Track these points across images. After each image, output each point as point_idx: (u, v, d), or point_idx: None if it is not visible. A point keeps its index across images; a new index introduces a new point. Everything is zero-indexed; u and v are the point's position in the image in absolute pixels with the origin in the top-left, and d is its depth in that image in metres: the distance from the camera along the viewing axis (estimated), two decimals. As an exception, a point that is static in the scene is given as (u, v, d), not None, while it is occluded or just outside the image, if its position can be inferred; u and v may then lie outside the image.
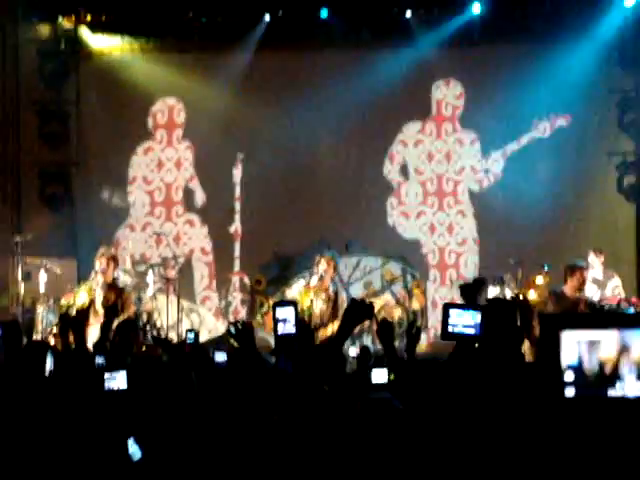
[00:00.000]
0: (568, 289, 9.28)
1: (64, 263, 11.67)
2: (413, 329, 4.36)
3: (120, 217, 12.70)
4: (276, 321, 4.38)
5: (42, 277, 10.97)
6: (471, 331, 3.79)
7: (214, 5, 12.17)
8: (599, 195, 12.04)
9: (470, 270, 12.32)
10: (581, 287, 9.56)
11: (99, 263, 9.96)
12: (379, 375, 5.04)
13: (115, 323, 9.25)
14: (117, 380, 4.67)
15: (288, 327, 4.36)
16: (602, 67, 11.72)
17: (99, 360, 5.71)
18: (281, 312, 4.39)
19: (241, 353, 4.48)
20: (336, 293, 9.43)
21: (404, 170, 12.57)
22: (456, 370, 3.77)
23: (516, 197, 12.03)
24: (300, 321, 4.56)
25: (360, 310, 4.03)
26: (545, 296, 10.00)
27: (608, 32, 11.63)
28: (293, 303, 4.45)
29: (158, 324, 11.03)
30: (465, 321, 3.81)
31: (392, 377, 4.98)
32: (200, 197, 12.66)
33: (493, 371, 3.68)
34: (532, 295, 9.95)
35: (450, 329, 3.84)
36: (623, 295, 10.39)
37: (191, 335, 6.96)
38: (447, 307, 3.91)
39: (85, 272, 11.97)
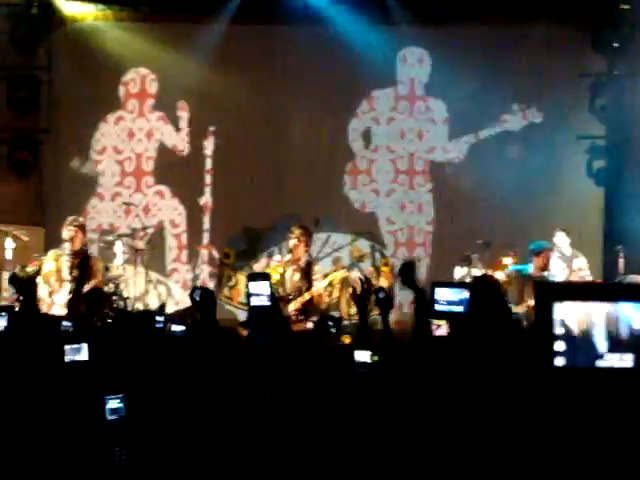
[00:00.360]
0: (533, 269, 9.42)
1: (31, 231, 11.56)
2: (381, 294, 4.38)
3: (89, 186, 12.59)
4: (249, 294, 4.39)
5: (9, 244, 10.88)
6: (459, 308, 3.82)
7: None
8: (568, 179, 12.11)
9: (437, 249, 12.39)
10: (545, 267, 9.70)
11: (67, 231, 9.91)
12: (362, 356, 5.02)
13: (84, 289, 9.26)
14: (80, 353, 4.63)
15: (262, 299, 4.37)
16: (575, 50, 11.79)
17: (66, 324, 5.69)
18: (254, 286, 4.40)
19: (202, 320, 4.50)
20: (309, 263, 9.47)
21: (375, 147, 12.58)
22: (447, 346, 3.81)
23: (485, 178, 12.07)
24: (273, 294, 4.57)
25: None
26: (511, 276, 10.12)
27: (582, 14, 11.68)
28: (266, 276, 4.46)
29: (125, 294, 11.00)
30: (452, 298, 3.84)
31: (376, 358, 4.98)
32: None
33: (484, 345, 3.71)
34: (499, 275, 10.06)
35: (437, 307, 3.86)
36: (588, 276, 10.49)
37: (160, 318, 6.68)
38: (434, 285, 3.94)
39: (52, 240, 11.94)
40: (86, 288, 9.35)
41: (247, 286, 4.40)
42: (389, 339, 4.18)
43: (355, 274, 11.77)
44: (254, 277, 4.49)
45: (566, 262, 10.68)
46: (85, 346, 4.45)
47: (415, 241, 12.53)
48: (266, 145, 12.35)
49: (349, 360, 4.09)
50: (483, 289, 3.92)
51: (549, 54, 11.77)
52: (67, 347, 4.39)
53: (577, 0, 11.66)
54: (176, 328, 5.23)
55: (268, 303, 4.34)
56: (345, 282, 10.75)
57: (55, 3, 12.28)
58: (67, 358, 4.39)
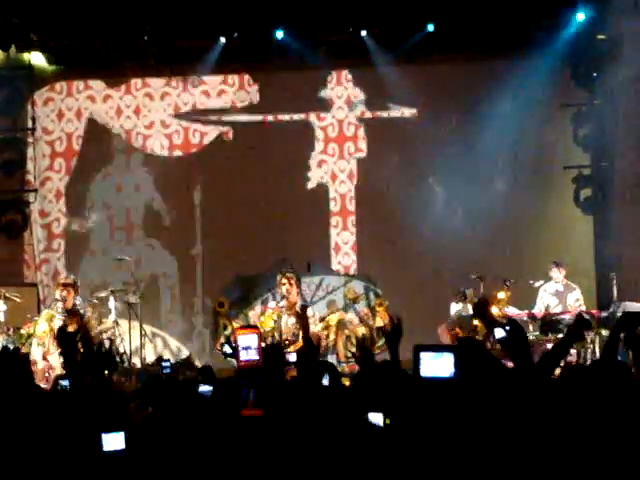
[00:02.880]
0: None
1: (24, 291, 11.54)
2: (391, 327, 4.30)
3: (80, 243, 12.59)
4: (238, 349, 4.37)
5: (1, 306, 10.84)
6: (445, 374, 3.64)
7: (169, 29, 12.12)
8: (557, 209, 12.16)
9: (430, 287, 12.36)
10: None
11: (59, 290, 9.90)
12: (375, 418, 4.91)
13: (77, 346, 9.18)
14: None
15: (251, 354, 4.35)
16: (556, 81, 11.86)
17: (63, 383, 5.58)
18: (244, 339, 4.37)
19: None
20: (304, 307, 9.45)
21: (365, 193, 12.58)
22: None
23: (474, 212, 12.09)
24: (265, 348, 4.52)
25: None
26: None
27: (561, 46, 11.78)
28: (255, 328, 4.43)
29: (121, 350, 10.95)
30: (438, 363, 3.66)
31: (387, 421, 4.91)
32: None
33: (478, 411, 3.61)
34: (494, 310, 10.03)
35: (423, 373, 3.68)
36: (584, 307, 10.50)
37: (166, 364, 6.66)
38: (418, 350, 3.75)
39: (46, 299, 11.93)
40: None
41: (236, 340, 4.38)
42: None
43: (351, 316, 11.79)
44: (243, 331, 4.46)
45: (559, 297, 10.68)
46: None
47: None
48: (253, 193, 12.36)
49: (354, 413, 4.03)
50: (469, 352, 3.82)
51: (531, 86, 11.82)
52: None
53: (555, 33, 11.72)
54: (204, 388, 5.01)
55: (257, 357, 4.31)
56: (341, 325, 10.75)
57: (35, 64, 12.34)
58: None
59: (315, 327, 9.40)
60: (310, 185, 12.61)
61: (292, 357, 6.13)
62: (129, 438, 3.74)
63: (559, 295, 10.73)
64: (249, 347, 4.35)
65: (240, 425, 3.92)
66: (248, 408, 3.97)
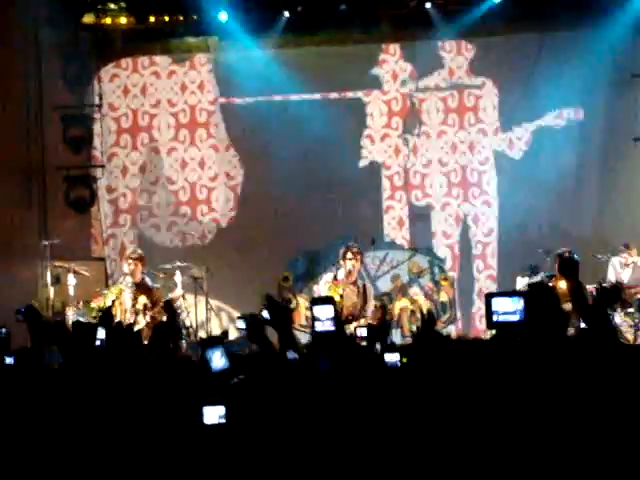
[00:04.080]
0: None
1: (92, 266, 11.73)
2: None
3: (146, 217, 12.72)
4: (314, 319, 4.38)
5: (71, 280, 11.03)
6: (515, 318, 3.81)
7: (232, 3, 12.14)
8: (627, 181, 11.95)
9: (496, 261, 12.29)
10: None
11: (127, 264, 10.03)
12: (391, 357, 4.99)
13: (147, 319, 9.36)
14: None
15: (327, 324, 4.35)
16: (626, 51, 11.65)
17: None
18: (319, 310, 4.38)
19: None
20: (364, 285, 9.51)
21: (429, 162, 12.53)
22: (498, 354, 3.78)
23: (540, 185, 11.98)
24: (339, 318, 4.54)
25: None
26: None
27: (629, 15, 11.55)
28: (331, 300, 4.44)
29: (187, 323, 11.07)
30: (508, 308, 3.83)
31: (405, 360, 4.97)
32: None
33: (537, 356, 3.68)
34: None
35: (494, 318, 3.86)
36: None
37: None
38: (489, 297, 3.93)
39: (114, 274, 12.10)
40: (147, 319, 9.47)
41: (311, 311, 4.39)
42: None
43: (415, 290, 11.77)
44: (317, 301, 4.47)
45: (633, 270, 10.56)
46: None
47: (474, 253, 12.43)
48: (317, 166, 12.36)
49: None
50: (537, 297, 3.89)
51: (599, 57, 11.62)
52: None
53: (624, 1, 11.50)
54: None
55: (332, 328, 4.32)
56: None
57: (104, 40, 12.47)
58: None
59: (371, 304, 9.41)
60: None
61: (362, 331, 6.18)
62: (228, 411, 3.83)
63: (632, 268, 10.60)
64: (324, 318, 4.36)
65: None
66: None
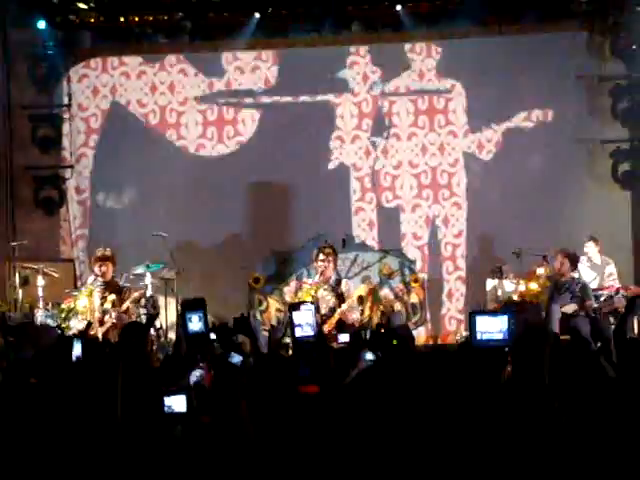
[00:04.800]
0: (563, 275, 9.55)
1: (61, 267, 11.62)
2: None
3: (116, 219, 12.63)
4: (293, 325, 4.38)
5: (40, 282, 10.92)
6: (499, 336, 3.74)
7: (204, 5, 12.12)
8: (594, 183, 12.07)
9: (465, 262, 12.38)
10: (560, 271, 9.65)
11: (97, 266, 9.97)
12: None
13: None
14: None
15: (306, 330, 4.35)
16: (594, 55, 11.78)
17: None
18: (298, 316, 4.38)
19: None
20: (338, 281, 9.58)
21: (399, 163, 12.56)
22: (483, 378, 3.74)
23: (509, 187, 12.08)
24: (318, 324, 4.54)
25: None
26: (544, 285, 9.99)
27: (598, 19, 11.68)
28: (311, 305, 4.44)
29: (157, 325, 11.00)
30: (492, 327, 3.75)
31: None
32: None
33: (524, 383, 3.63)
34: (533, 286, 9.99)
35: (478, 336, 3.77)
36: (617, 283, 10.45)
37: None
38: (473, 314, 3.85)
39: (83, 275, 12.00)
40: (113, 315, 9.44)
41: (290, 316, 4.38)
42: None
43: (386, 292, 11.79)
44: (296, 307, 4.47)
45: (597, 271, 10.64)
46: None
47: (444, 255, 12.49)
48: (289, 169, 12.35)
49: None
50: (526, 315, 3.88)
51: (568, 60, 11.76)
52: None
53: (594, 5, 11.63)
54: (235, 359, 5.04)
55: (312, 333, 4.32)
56: (376, 299, 10.75)
57: (73, 40, 12.37)
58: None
59: (345, 304, 9.48)
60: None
61: (344, 337, 6.20)
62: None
63: (596, 269, 10.70)
64: (303, 323, 4.36)
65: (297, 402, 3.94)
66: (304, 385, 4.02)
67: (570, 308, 9.15)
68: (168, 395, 3.94)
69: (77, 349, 5.03)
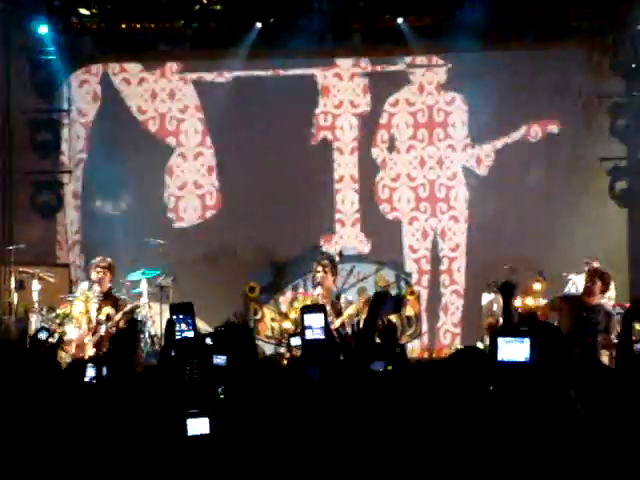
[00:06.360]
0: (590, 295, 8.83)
1: (57, 272, 11.59)
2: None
3: (113, 225, 12.60)
4: (304, 327, 4.37)
5: (35, 286, 10.89)
6: (521, 358, 3.66)
7: (206, 13, 12.13)
8: (591, 200, 12.09)
9: (463, 276, 12.38)
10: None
11: (95, 273, 9.95)
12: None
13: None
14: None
15: (316, 333, 4.35)
16: (594, 72, 11.83)
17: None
18: (309, 318, 4.38)
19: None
20: (338, 295, 9.58)
21: (397, 176, 12.58)
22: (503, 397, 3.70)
23: (507, 202, 12.11)
24: (328, 327, 4.54)
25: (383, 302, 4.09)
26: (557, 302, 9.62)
27: (597, 37, 11.75)
28: (322, 308, 4.44)
29: (152, 332, 10.98)
30: (515, 348, 3.68)
31: (389, 367, 4.97)
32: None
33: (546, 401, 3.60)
34: (529, 302, 9.95)
35: (500, 357, 3.71)
36: (613, 301, 10.40)
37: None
38: (495, 335, 3.79)
39: (78, 280, 11.95)
40: (108, 329, 9.42)
41: (301, 318, 4.38)
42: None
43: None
44: (308, 309, 4.47)
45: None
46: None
47: (440, 269, 12.50)
48: (285, 177, 12.36)
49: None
50: (547, 338, 3.82)
51: (568, 77, 11.82)
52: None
53: (594, 22, 11.69)
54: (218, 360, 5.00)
55: (323, 336, 4.32)
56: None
57: (73, 45, 12.36)
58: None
59: (337, 321, 9.44)
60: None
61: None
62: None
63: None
64: (314, 326, 4.36)
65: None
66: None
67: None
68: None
69: (90, 372, 4.97)
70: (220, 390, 4.21)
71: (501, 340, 3.74)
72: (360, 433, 3.79)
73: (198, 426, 3.79)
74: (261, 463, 3.78)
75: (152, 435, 3.89)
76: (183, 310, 4.60)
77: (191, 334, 4.54)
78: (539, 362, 3.65)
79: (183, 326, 4.56)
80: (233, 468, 3.82)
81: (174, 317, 4.57)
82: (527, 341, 3.69)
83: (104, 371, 5.39)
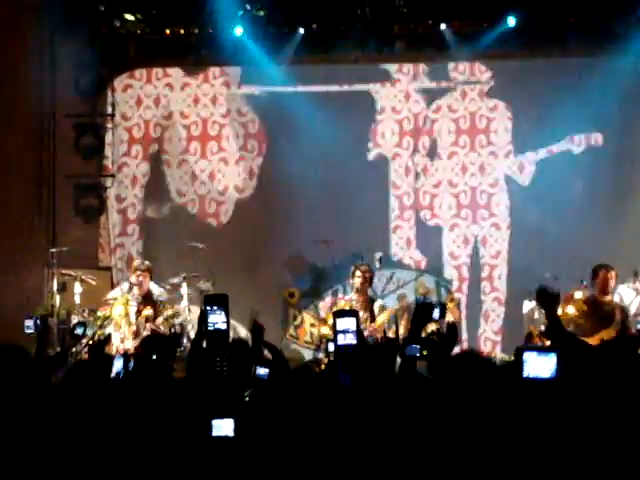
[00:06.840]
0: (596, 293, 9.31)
1: (99, 275, 11.70)
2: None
3: (155, 229, 12.69)
4: (336, 332, 4.35)
5: (77, 289, 11.00)
6: (547, 374, 3.63)
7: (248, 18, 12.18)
8: (636, 210, 11.93)
9: (504, 283, 12.29)
10: (605, 289, 9.47)
11: (134, 276, 10.05)
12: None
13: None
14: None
15: (349, 338, 4.33)
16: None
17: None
18: (342, 322, 4.36)
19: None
20: (372, 300, 9.60)
21: (438, 182, 12.52)
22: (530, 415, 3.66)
23: (549, 210, 11.98)
24: (361, 332, 4.52)
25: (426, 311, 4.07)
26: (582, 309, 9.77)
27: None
28: (355, 313, 4.42)
29: (192, 336, 11.01)
30: (540, 364, 3.65)
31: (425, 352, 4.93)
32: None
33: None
34: (570, 310, 9.85)
35: (525, 373, 3.68)
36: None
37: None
38: (521, 351, 3.77)
39: (120, 283, 12.04)
40: (144, 333, 9.49)
41: (334, 323, 4.36)
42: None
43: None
44: (340, 314, 4.45)
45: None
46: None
47: (480, 275, 12.41)
48: (327, 185, 12.35)
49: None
50: (573, 354, 3.79)
51: (616, 86, 11.65)
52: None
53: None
54: (261, 371, 4.98)
55: (355, 341, 4.29)
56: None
57: (117, 50, 12.49)
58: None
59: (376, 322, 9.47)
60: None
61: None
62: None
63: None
64: (347, 330, 4.34)
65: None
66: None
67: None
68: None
69: (117, 365, 4.99)
70: (247, 394, 4.21)
71: (527, 354, 3.71)
72: (386, 441, 3.76)
73: (223, 427, 3.78)
74: (281, 469, 3.77)
75: (176, 433, 3.89)
76: (217, 302, 4.61)
77: (224, 326, 4.54)
78: (564, 377, 3.61)
79: (216, 318, 4.56)
80: (254, 472, 3.81)
81: (207, 308, 4.57)
82: (553, 356, 3.65)
83: (130, 366, 5.43)
